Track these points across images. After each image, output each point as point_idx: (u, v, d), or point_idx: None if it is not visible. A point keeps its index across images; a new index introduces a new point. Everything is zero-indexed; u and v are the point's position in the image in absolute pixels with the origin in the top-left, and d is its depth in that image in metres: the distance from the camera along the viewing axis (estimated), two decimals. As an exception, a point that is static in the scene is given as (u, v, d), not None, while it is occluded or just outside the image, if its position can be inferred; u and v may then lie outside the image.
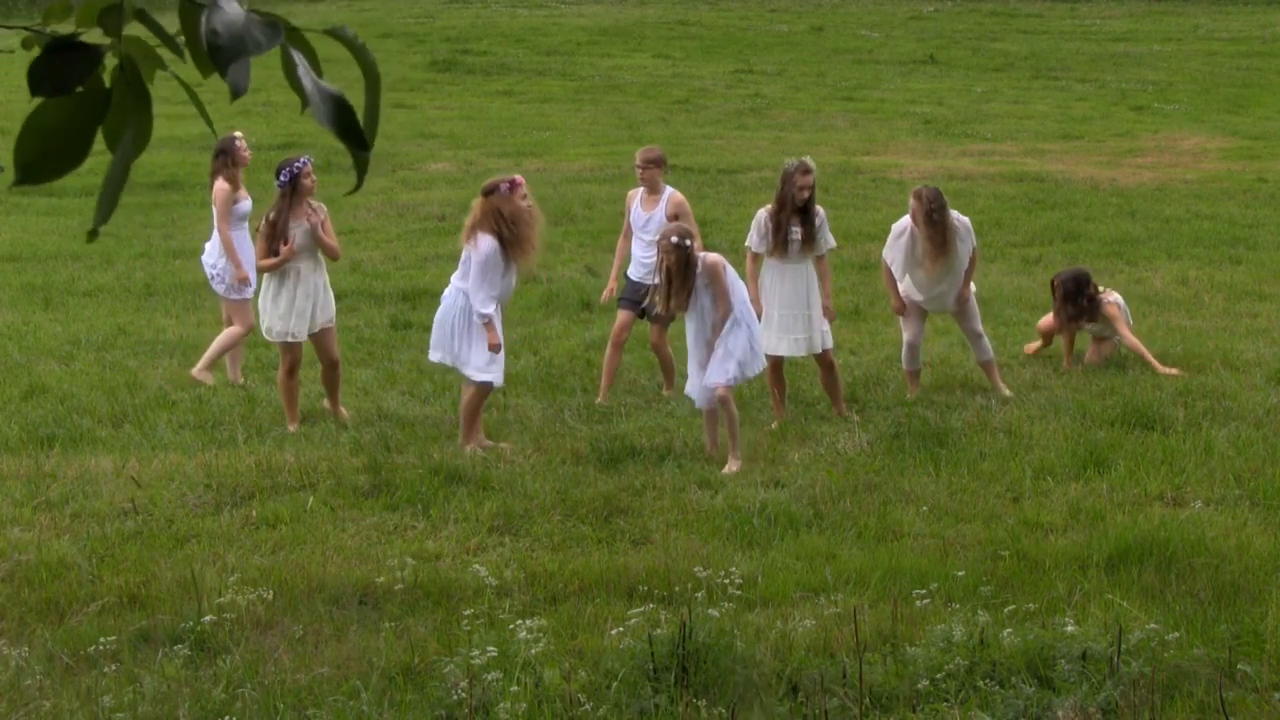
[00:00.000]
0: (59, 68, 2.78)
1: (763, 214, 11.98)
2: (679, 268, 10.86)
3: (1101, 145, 26.99)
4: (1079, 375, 13.16)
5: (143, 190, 22.91)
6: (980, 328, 12.80)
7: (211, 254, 13.37)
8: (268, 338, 12.22)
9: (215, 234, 13.29)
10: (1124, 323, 13.57)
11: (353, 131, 2.87)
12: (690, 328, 11.07)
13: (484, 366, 11.29)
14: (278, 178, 11.95)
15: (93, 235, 3.17)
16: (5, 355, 14.27)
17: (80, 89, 2.78)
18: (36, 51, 3.72)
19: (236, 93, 2.74)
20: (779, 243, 11.86)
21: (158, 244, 19.33)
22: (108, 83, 2.85)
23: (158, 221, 20.80)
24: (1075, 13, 45.89)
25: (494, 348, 11.25)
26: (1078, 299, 13.48)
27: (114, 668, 7.47)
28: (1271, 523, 9.61)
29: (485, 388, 11.38)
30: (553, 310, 15.82)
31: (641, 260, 12.70)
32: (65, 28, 3.70)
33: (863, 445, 11.27)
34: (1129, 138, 27.76)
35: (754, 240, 11.98)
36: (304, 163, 12.02)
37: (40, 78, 2.77)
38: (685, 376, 11.80)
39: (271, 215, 11.95)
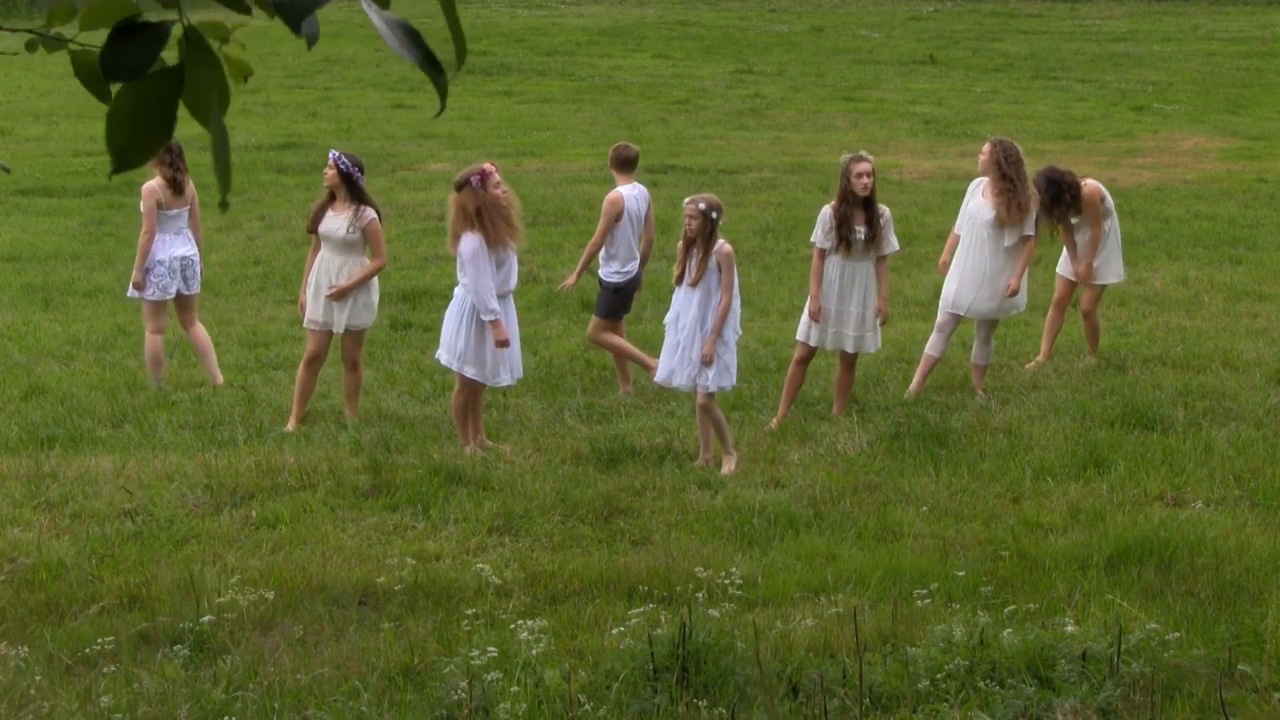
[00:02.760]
0: (129, 52, 2.83)
1: (827, 210, 11.94)
2: (700, 234, 10.83)
3: (1101, 145, 26.98)
4: (1079, 375, 13.16)
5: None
6: (991, 334, 12.84)
7: (192, 250, 13.17)
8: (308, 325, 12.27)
9: (189, 232, 13.16)
10: (1097, 217, 13.64)
11: (427, 56, 2.95)
12: (687, 307, 10.91)
13: (473, 360, 11.27)
14: None
15: (224, 206, 3.29)
16: (5, 355, 14.27)
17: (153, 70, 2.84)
18: (34, 48, 3.72)
19: (311, 41, 2.83)
20: (843, 239, 11.84)
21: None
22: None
23: (158, 222, 20.76)
24: (1075, 13, 45.90)
25: (501, 344, 11.23)
26: (1061, 197, 13.46)
27: (113, 668, 7.47)
28: (1271, 523, 9.61)
29: (469, 384, 11.35)
30: (553, 310, 15.81)
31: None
32: (69, 30, 3.70)
33: (863, 445, 11.27)
34: (1129, 138, 27.76)
35: (819, 236, 11.92)
36: (331, 156, 12.25)
37: (113, 65, 2.82)
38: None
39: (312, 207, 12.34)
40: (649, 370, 12.64)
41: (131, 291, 13.21)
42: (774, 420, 11.91)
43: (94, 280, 17.62)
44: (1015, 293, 12.64)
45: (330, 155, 12.25)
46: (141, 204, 13.09)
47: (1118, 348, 14.07)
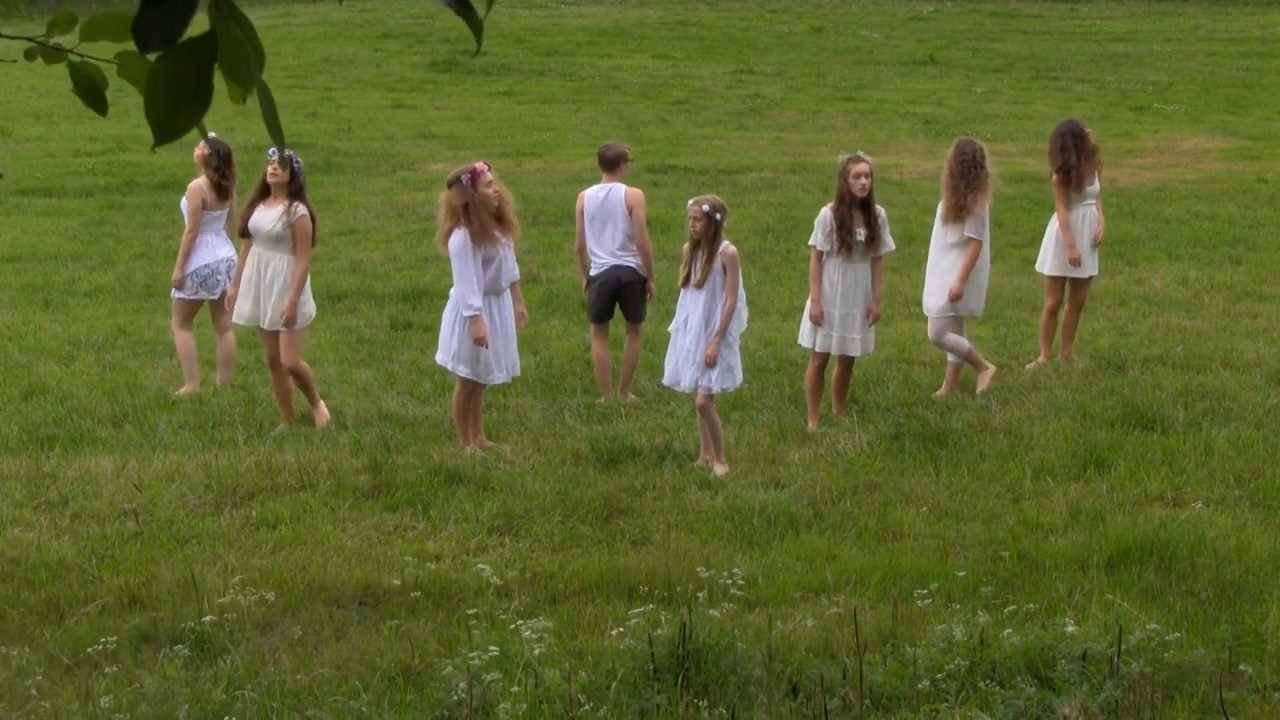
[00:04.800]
0: (161, 20, 2.84)
1: (826, 212, 11.88)
2: (704, 236, 10.83)
3: (1101, 145, 26.93)
4: (1079, 375, 13.16)
5: (143, 190, 22.91)
6: (940, 340, 12.71)
7: (233, 251, 13.30)
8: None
9: (225, 234, 13.26)
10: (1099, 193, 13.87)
11: None
12: (693, 308, 10.90)
13: (467, 360, 11.27)
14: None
15: (284, 162, 3.37)
16: (5, 355, 14.28)
17: (184, 38, 2.86)
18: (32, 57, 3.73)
19: None
20: (843, 240, 11.80)
21: (158, 244, 19.32)
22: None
23: (158, 222, 20.80)
24: (1075, 13, 45.88)
25: (478, 341, 11.20)
26: (1085, 144, 13.53)
27: (114, 668, 7.47)
28: (1271, 523, 9.61)
29: (469, 384, 11.36)
30: (553, 310, 15.82)
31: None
32: (68, 40, 3.70)
33: (863, 445, 11.27)
34: (1129, 138, 27.76)
35: (819, 239, 11.85)
36: (269, 154, 12.04)
37: (146, 34, 2.83)
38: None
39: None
40: (602, 392, 12.65)
41: (176, 291, 13.22)
42: (810, 423, 11.85)
43: (94, 280, 17.62)
44: (955, 297, 12.61)
45: (271, 153, 12.06)
46: (186, 202, 13.14)
47: (1118, 348, 14.07)
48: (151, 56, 2.91)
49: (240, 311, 12.15)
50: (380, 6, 45.25)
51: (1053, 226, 13.84)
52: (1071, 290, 13.80)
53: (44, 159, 25.28)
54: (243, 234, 12.12)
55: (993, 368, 12.70)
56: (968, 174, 12.56)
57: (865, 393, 12.71)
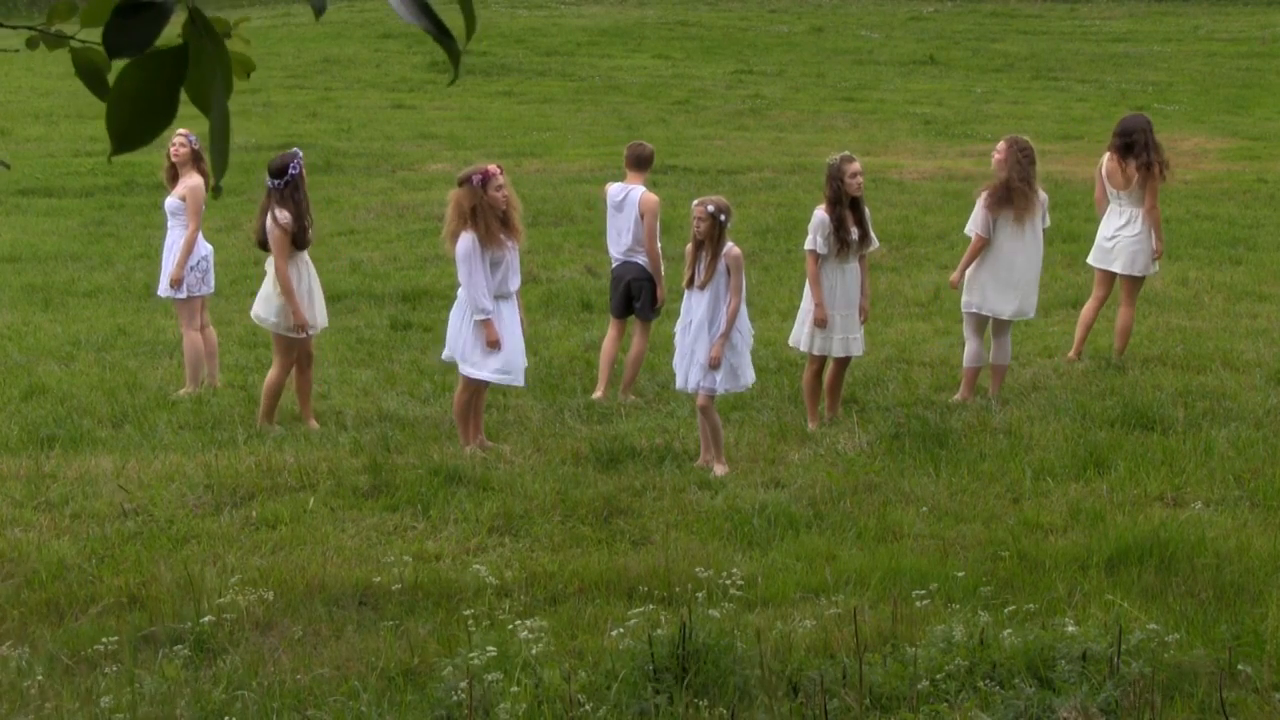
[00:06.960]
0: (132, 28, 2.83)
1: (823, 215, 11.77)
2: (708, 237, 10.83)
3: (1101, 145, 26.86)
4: (1079, 375, 13.16)
5: (143, 190, 22.91)
6: (972, 332, 12.60)
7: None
8: (293, 334, 11.94)
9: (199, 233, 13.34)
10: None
11: (437, 24, 3.01)
12: (696, 309, 10.89)
13: (478, 363, 11.26)
14: (280, 175, 11.83)
15: (217, 192, 3.28)
16: (5, 355, 14.28)
17: (156, 49, 2.85)
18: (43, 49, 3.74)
19: (319, 11, 2.85)
20: (841, 241, 11.75)
21: (158, 244, 19.29)
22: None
23: (158, 221, 20.76)
24: (1075, 13, 45.88)
25: (491, 344, 11.20)
26: (1151, 138, 13.51)
27: (114, 668, 7.47)
28: (1271, 523, 9.61)
29: (472, 384, 11.35)
30: (553, 310, 15.82)
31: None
32: (69, 27, 3.72)
33: (863, 445, 11.27)
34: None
35: (818, 243, 11.74)
36: (298, 154, 12.03)
37: (116, 41, 2.83)
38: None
39: (291, 211, 11.80)
40: (599, 389, 12.67)
41: (171, 291, 13.17)
42: (810, 424, 11.82)
43: (94, 280, 17.62)
44: (952, 286, 12.66)
45: (300, 155, 12.07)
46: (183, 201, 13.14)
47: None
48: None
49: (314, 322, 12.05)
50: (380, 6, 45.23)
51: (1127, 228, 13.63)
52: (1107, 287, 13.75)
53: (44, 159, 25.27)
54: (304, 246, 11.92)
55: (966, 397, 12.37)
56: (1003, 169, 12.56)
57: (865, 393, 12.71)
